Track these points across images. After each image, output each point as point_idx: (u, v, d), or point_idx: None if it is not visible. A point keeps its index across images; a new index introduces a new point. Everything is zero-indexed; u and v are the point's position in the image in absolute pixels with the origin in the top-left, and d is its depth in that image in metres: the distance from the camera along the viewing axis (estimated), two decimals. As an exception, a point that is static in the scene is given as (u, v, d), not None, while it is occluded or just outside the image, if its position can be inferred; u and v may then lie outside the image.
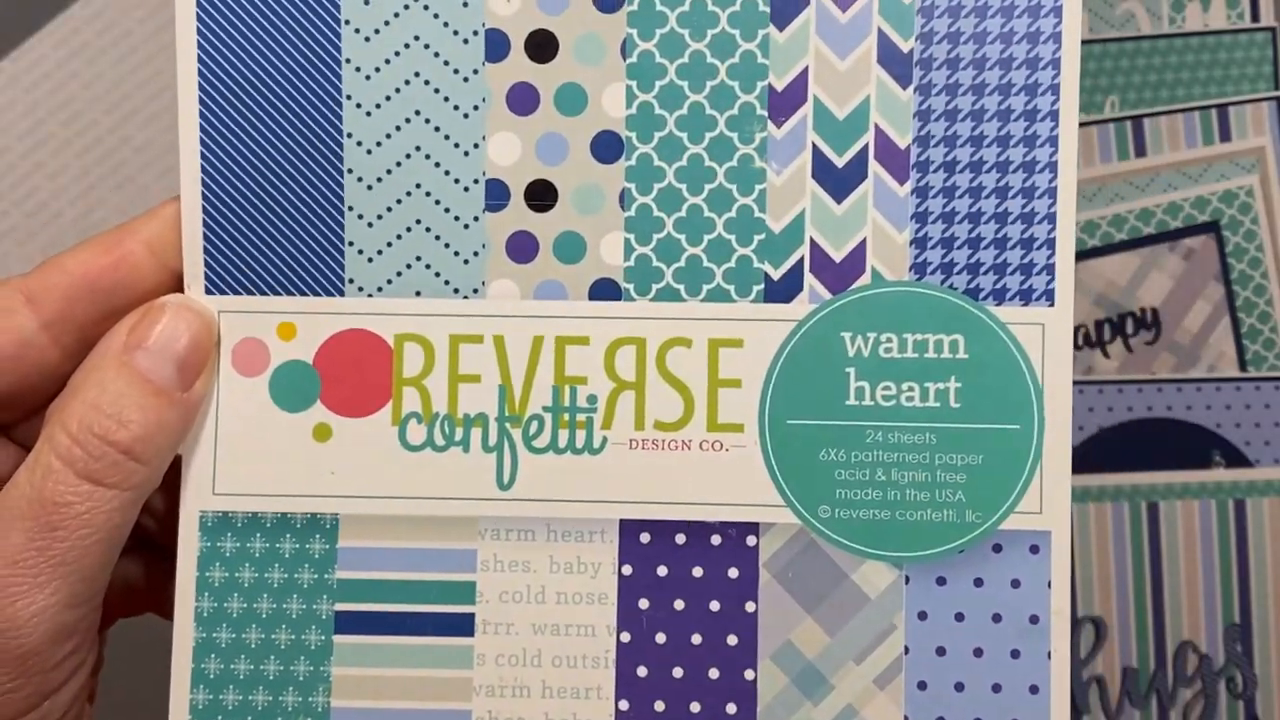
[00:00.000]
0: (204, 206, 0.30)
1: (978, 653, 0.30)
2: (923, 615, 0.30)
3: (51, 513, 0.27)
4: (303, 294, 0.30)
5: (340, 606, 0.30)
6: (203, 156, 0.30)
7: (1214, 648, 0.49)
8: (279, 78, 0.30)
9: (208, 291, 0.30)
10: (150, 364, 0.29)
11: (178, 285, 0.31)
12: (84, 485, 0.28)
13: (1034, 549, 0.30)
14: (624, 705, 0.30)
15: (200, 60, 0.30)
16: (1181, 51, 0.51)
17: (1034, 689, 0.30)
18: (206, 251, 0.30)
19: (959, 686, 0.30)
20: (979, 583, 0.30)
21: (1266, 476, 0.50)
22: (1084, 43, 0.47)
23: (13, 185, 0.52)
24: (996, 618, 0.30)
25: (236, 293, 0.30)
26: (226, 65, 0.30)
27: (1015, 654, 0.30)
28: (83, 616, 0.28)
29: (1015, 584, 0.30)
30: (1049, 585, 0.30)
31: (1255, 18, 0.51)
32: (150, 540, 0.33)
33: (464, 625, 0.30)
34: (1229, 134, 0.51)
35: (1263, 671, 0.49)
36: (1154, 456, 0.49)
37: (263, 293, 0.30)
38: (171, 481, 0.30)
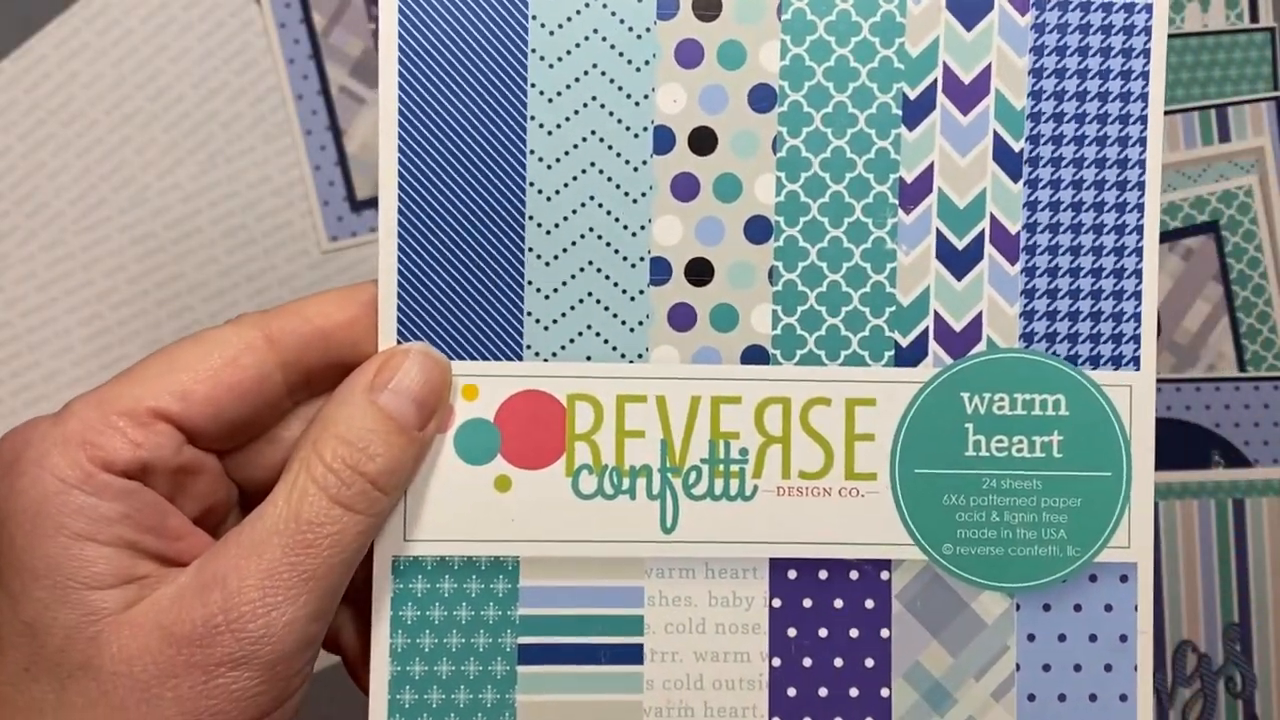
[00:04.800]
0: (399, 281, 0.35)
1: (1077, 668, 0.36)
2: (1031, 637, 0.36)
3: (306, 531, 0.32)
4: (485, 359, 0.35)
5: (523, 640, 0.35)
6: (399, 237, 0.35)
7: (1213, 647, 0.53)
8: (471, 169, 0.35)
9: (398, 357, 0.35)
10: (394, 403, 0.33)
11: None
12: (336, 509, 0.32)
13: (1123, 578, 0.36)
14: (777, 722, 0.36)
15: (400, 158, 0.35)
16: (1181, 52, 0.54)
17: (1123, 697, 0.36)
18: (400, 321, 0.35)
19: (1061, 697, 0.36)
20: (1078, 608, 0.36)
21: (1266, 476, 0.53)
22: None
23: (13, 185, 0.55)
24: (1093, 637, 0.36)
25: (424, 358, 0.35)
26: (423, 155, 0.35)
27: (1108, 668, 0.36)
28: (321, 629, 0.33)
29: (1108, 608, 0.36)
30: (1135, 608, 0.36)
31: (1254, 18, 0.54)
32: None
33: (634, 655, 0.35)
34: (1228, 134, 0.54)
35: (1262, 671, 0.53)
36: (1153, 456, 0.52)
37: (449, 357, 0.35)
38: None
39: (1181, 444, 0.53)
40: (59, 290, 0.55)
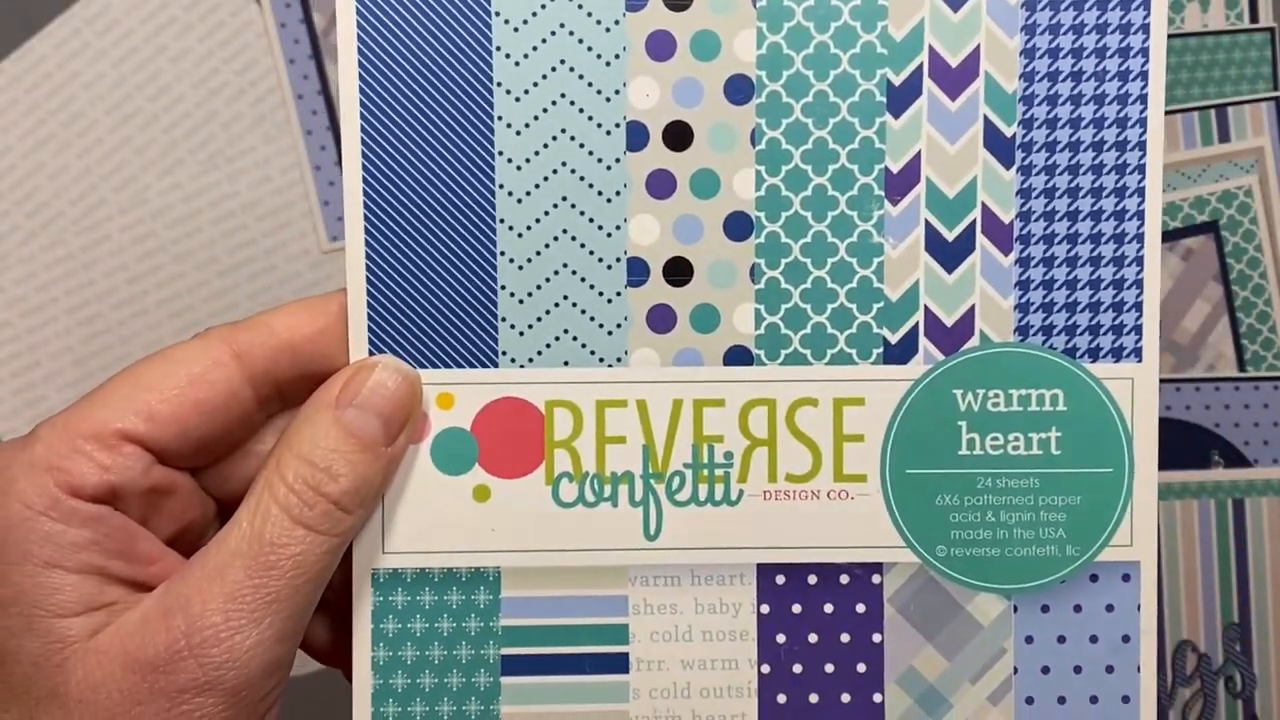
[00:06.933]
0: (368, 289, 0.35)
1: (1077, 669, 0.36)
2: (1029, 639, 0.36)
3: (269, 553, 0.32)
4: (460, 366, 0.35)
5: (506, 651, 0.35)
6: (367, 245, 0.35)
7: (1213, 647, 0.53)
8: (438, 172, 0.34)
9: (371, 367, 0.35)
10: (358, 421, 0.33)
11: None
12: (298, 530, 0.32)
13: (1125, 577, 0.36)
14: (767, 729, 0.35)
15: (364, 163, 0.34)
16: (1180, 52, 0.54)
17: (1125, 699, 0.36)
18: (371, 331, 0.35)
19: (1061, 700, 0.36)
20: (1078, 609, 0.36)
21: (1265, 476, 0.54)
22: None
23: (13, 185, 0.55)
24: (1093, 638, 0.36)
25: (398, 367, 0.35)
26: (388, 160, 0.34)
27: (1110, 669, 0.36)
28: (288, 652, 0.33)
29: (1109, 608, 0.36)
30: (1138, 608, 0.36)
31: (1254, 18, 0.54)
32: (330, 604, 0.37)
33: (619, 664, 0.35)
34: (1228, 134, 0.54)
35: (1262, 671, 0.53)
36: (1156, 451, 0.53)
37: (423, 366, 0.35)
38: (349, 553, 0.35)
39: (1181, 444, 0.53)
40: (59, 290, 0.55)
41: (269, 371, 0.34)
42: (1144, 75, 0.35)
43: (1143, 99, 0.35)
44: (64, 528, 0.32)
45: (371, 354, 0.35)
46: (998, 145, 0.35)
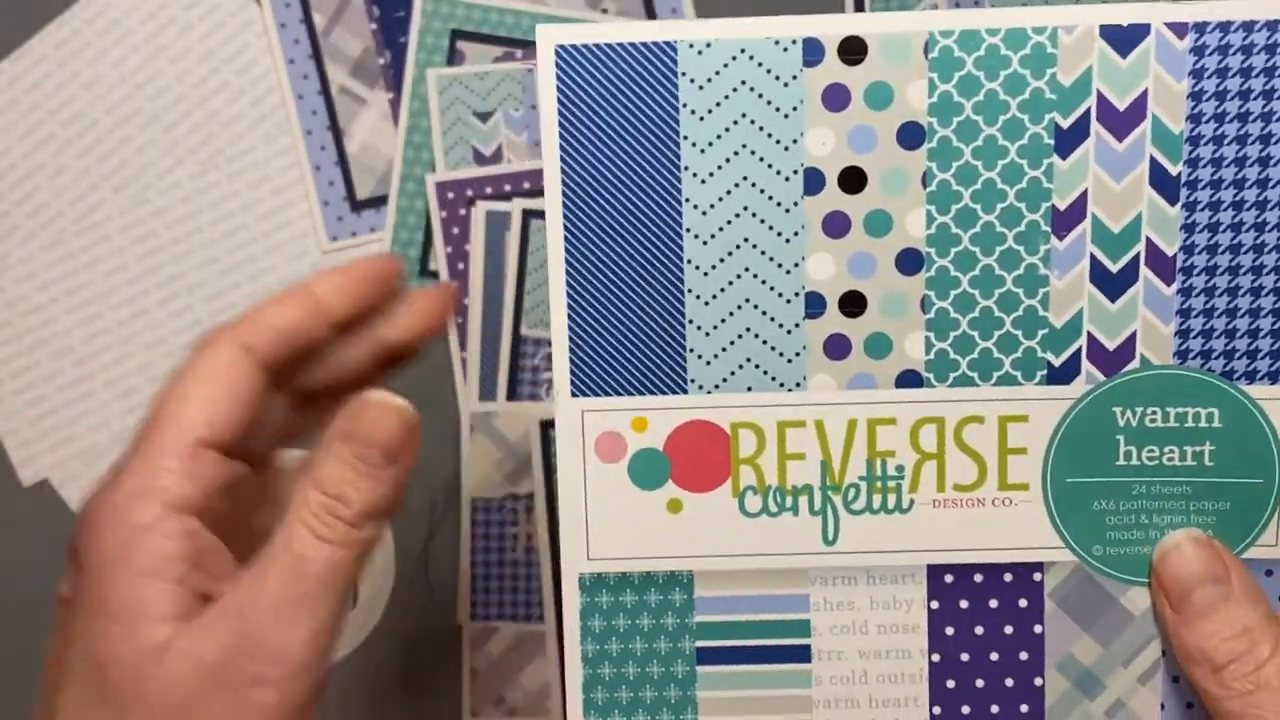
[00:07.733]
0: (569, 326, 0.38)
1: (1223, 655, 0.39)
2: (1178, 628, 0.39)
3: (301, 564, 0.37)
4: (652, 393, 0.38)
5: (700, 643, 0.40)
6: (568, 288, 0.38)
7: None
8: (629, 219, 0.37)
9: (573, 394, 0.39)
10: (361, 452, 0.38)
11: (342, 330, 0.40)
12: (324, 546, 0.37)
13: (1268, 573, 0.39)
14: (936, 710, 0.40)
15: (565, 219, 0.37)
16: None
17: (1267, 679, 0.39)
18: (572, 363, 0.38)
19: (1207, 681, 0.39)
20: (1225, 601, 0.39)
21: None
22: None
23: (13, 185, 0.56)
24: (1239, 627, 0.39)
25: (597, 395, 0.39)
26: (585, 218, 0.37)
27: (1253, 654, 0.39)
28: (328, 644, 0.37)
29: (1255, 601, 0.39)
30: (1278, 599, 0.39)
31: None
32: None
33: (803, 654, 0.40)
34: None
35: None
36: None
37: (619, 394, 0.38)
38: None
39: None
40: (59, 290, 0.56)
41: (271, 359, 0.39)
42: (1310, 111, 0.36)
43: (1307, 134, 0.36)
44: (164, 540, 0.36)
45: (574, 385, 0.38)
46: (1164, 183, 0.36)
